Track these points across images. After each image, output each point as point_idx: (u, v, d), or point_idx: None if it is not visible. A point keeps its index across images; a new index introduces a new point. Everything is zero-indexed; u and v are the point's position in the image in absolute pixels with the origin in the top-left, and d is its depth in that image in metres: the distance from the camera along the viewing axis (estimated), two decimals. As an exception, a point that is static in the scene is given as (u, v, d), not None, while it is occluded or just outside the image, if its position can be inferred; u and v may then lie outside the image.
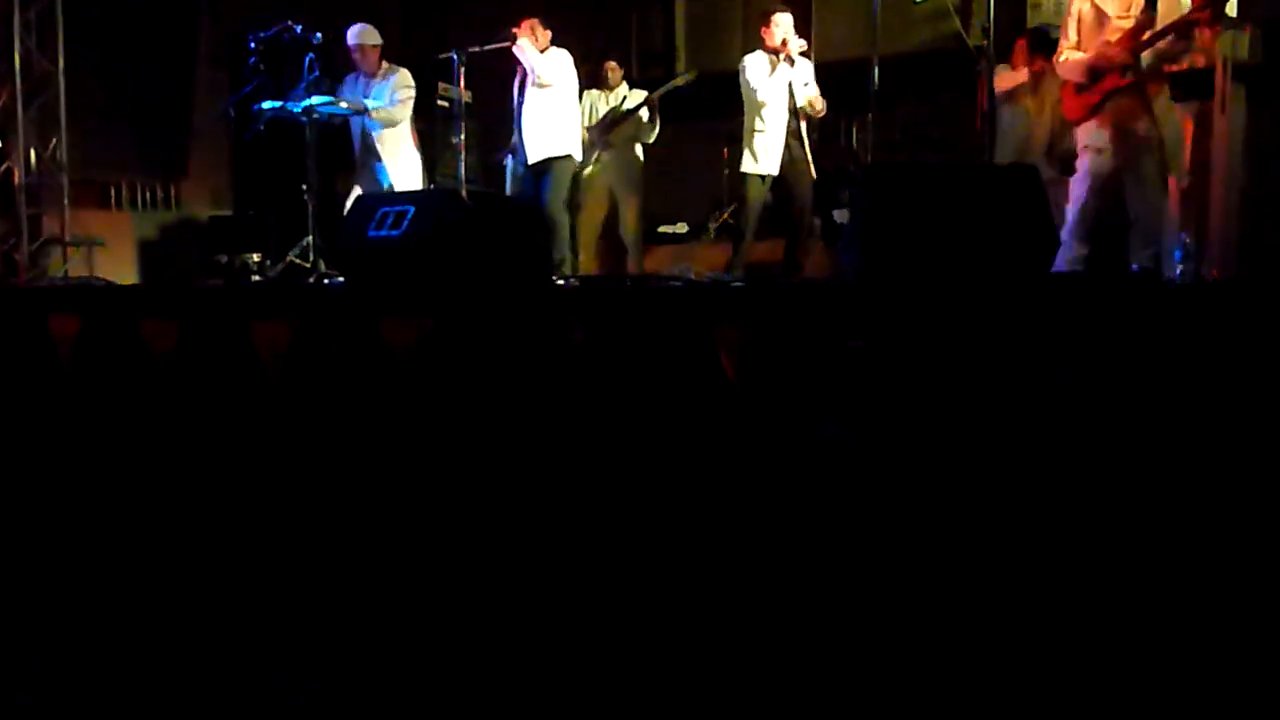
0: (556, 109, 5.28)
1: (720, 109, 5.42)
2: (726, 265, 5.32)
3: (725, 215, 6.21)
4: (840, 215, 5.63)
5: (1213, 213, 3.85)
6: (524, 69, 5.29)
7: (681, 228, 6.54)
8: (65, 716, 2.43)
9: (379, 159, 5.52)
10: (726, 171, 5.63)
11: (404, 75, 5.51)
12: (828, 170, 5.71)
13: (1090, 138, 4.30)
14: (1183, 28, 4.06)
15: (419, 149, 5.67)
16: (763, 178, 5.06)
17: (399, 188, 5.45)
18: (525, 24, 5.25)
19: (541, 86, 5.20)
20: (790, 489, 2.79)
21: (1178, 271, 3.65)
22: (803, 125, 5.05)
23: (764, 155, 5.03)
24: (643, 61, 7.62)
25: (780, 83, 4.97)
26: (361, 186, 5.54)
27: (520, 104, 5.30)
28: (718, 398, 3.07)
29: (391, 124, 5.46)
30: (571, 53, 5.40)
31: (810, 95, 5.05)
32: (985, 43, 4.29)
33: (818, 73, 5.28)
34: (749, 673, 2.15)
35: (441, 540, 3.24)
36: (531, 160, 5.26)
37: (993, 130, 4.23)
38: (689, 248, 6.21)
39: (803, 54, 5.08)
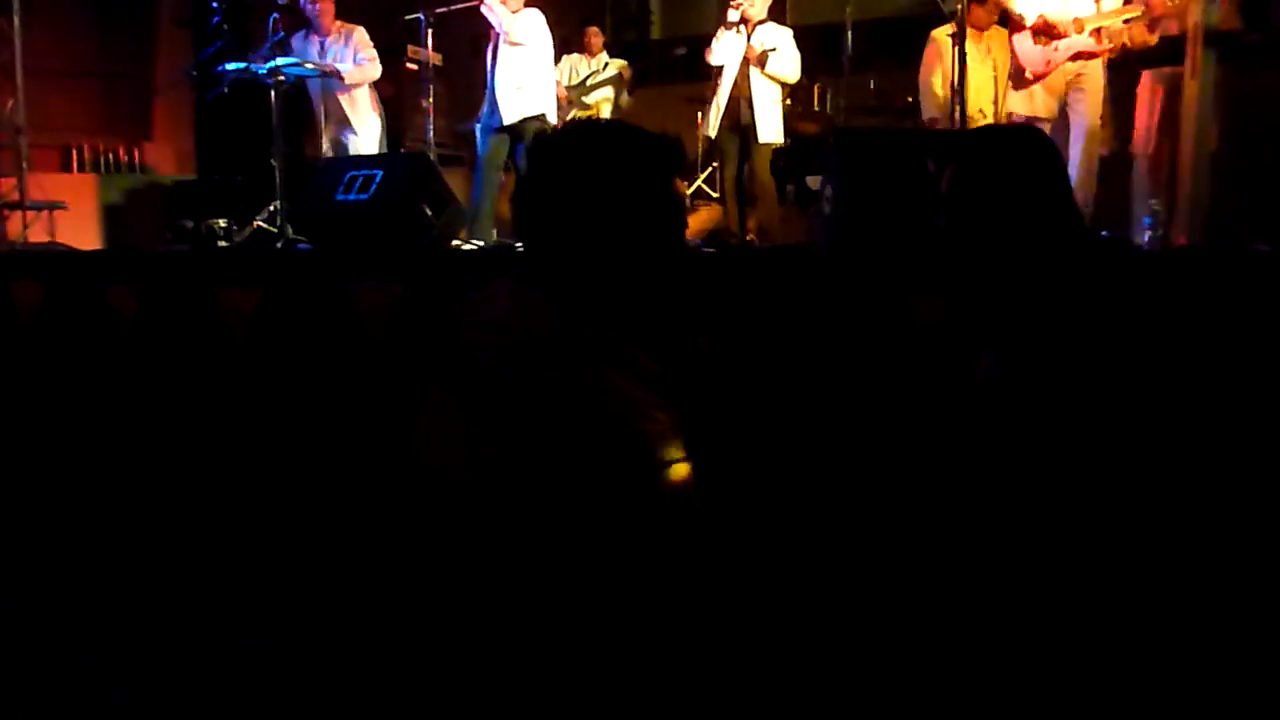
0: (530, 69, 5.17)
1: (695, 73, 5.38)
2: (711, 231, 5.31)
3: (699, 180, 6.18)
4: (814, 181, 5.60)
5: (1181, 179, 3.87)
6: (496, 31, 5.19)
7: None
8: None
9: (342, 122, 5.40)
10: (701, 136, 5.59)
11: (362, 33, 5.37)
12: (801, 135, 5.68)
13: (1033, 106, 4.37)
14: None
15: (379, 111, 5.54)
16: (709, 138, 5.15)
17: (363, 150, 5.34)
18: None
19: (513, 45, 5.09)
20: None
21: (1146, 238, 3.67)
22: (757, 89, 4.97)
23: (710, 118, 5.08)
24: (617, 26, 7.53)
25: (731, 48, 4.94)
26: (323, 151, 5.43)
27: (493, 67, 5.20)
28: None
29: (359, 85, 5.35)
30: (548, 16, 5.32)
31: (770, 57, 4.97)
32: (959, 8, 4.27)
33: (795, 36, 5.22)
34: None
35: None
36: (506, 121, 5.16)
37: (963, 97, 4.21)
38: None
39: (777, 21, 5.04)
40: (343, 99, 5.38)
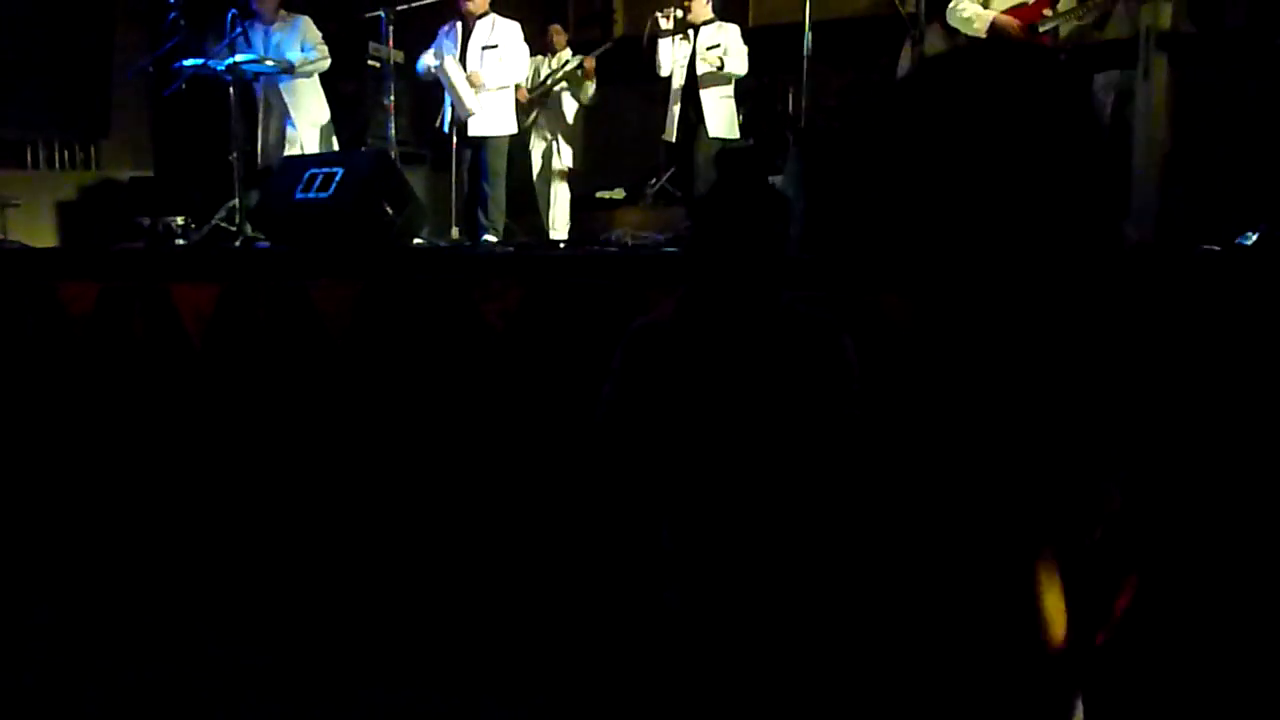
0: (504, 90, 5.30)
1: (656, 70, 5.38)
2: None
3: (662, 180, 6.19)
4: (777, 180, 5.64)
5: (1134, 179, 3.94)
6: (462, 33, 5.20)
7: (619, 193, 6.51)
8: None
9: (284, 114, 5.27)
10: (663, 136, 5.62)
11: (308, 22, 5.26)
12: (763, 135, 5.72)
13: None
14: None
15: (325, 105, 5.43)
16: (669, 144, 5.25)
17: (306, 144, 5.22)
18: None
19: (489, 49, 5.17)
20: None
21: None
22: (706, 87, 5.05)
23: (668, 123, 5.18)
24: (580, 23, 7.52)
25: (677, 53, 5.01)
26: (268, 147, 5.29)
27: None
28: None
29: (307, 77, 5.26)
30: (511, 12, 5.34)
31: (720, 57, 5.04)
32: (917, 11, 4.30)
33: (755, 37, 5.27)
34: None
35: (383, 507, 3.21)
36: (473, 133, 5.21)
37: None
38: (625, 212, 6.19)
39: (724, 19, 5.11)
40: (285, 90, 5.24)
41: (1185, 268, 2.98)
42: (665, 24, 5.02)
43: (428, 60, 5.29)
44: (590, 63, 5.92)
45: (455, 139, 5.28)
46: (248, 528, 3.30)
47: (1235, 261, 3.09)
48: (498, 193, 5.26)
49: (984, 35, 4.31)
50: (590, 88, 6.05)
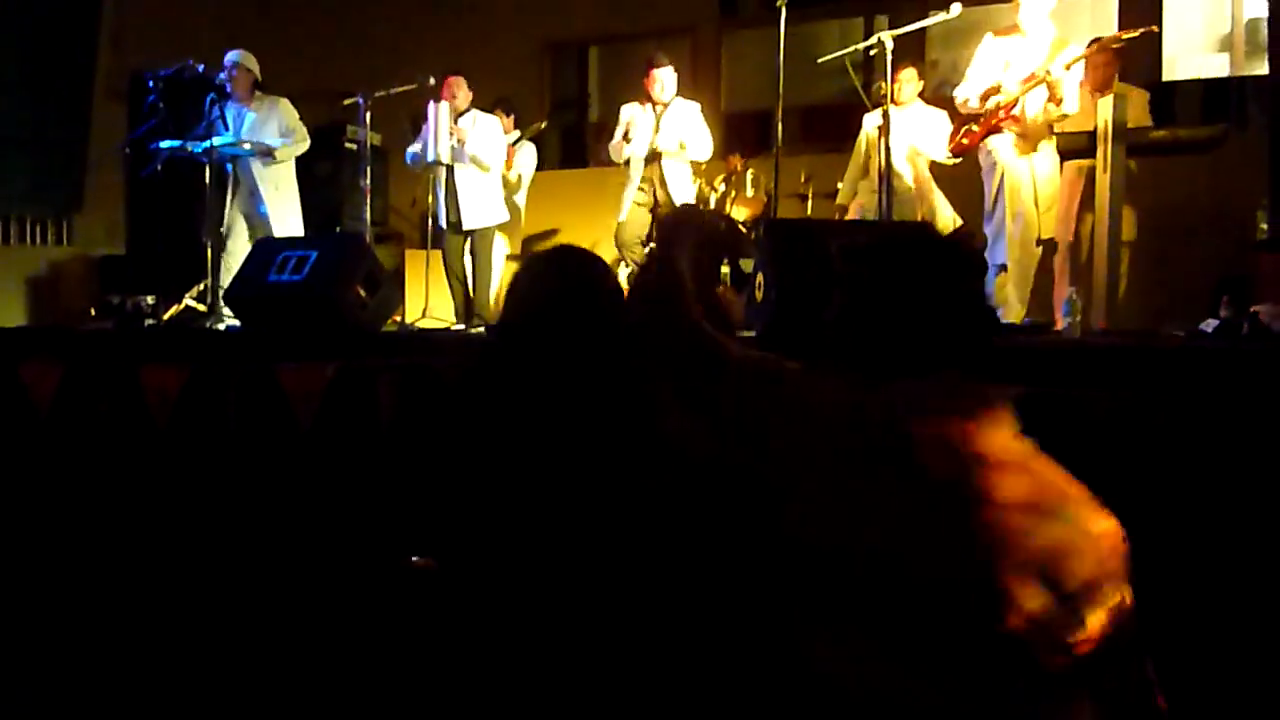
0: (489, 178, 5.39)
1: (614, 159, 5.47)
2: None
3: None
4: (747, 264, 5.71)
5: (1096, 266, 4.02)
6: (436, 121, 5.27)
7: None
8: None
9: (254, 194, 5.21)
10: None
11: (288, 105, 5.28)
12: (736, 219, 5.80)
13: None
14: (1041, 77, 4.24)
15: (295, 188, 5.41)
16: (620, 224, 5.22)
17: (280, 229, 5.14)
18: (448, 85, 5.27)
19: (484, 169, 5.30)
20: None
21: (1065, 325, 3.79)
22: (669, 169, 5.10)
23: (623, 204, 5.19)
24: (555, 107, 7.67)
25: (639, 137, 5.09)
26: (236, 226, 5.24)
27: (450, 171, 5.31)
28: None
29: (292, 156, 5.29)
30: (484, 100, 5.44)
31: (681, 139, 5.10)
32: (884, 101, 4.42)
33: (727, 122, 5.37)
34: None
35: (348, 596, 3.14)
36: (467, 227, 5.31)
37: (889, 187, 4.34)
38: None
39: (688, 98, 5.18)
40: (256, 170, 5.19)
41: (1148, 355, 3.03)
42: (619, 134, 5.15)
43: (417, 148, 5.38)
44: (511, 148, 5.98)
45: (445, 229, 5.36)
46: (209, 612, 3.21)
47: (1196, 348, 3.15)
48: (487, 278, 5.33)
49: (976, 110, 4.38)
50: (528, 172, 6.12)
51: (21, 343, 4.21)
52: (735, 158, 6.01)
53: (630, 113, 5.18)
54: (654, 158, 5.07)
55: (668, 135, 5.05)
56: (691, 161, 5.22)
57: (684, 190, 5.14)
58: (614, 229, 5.24)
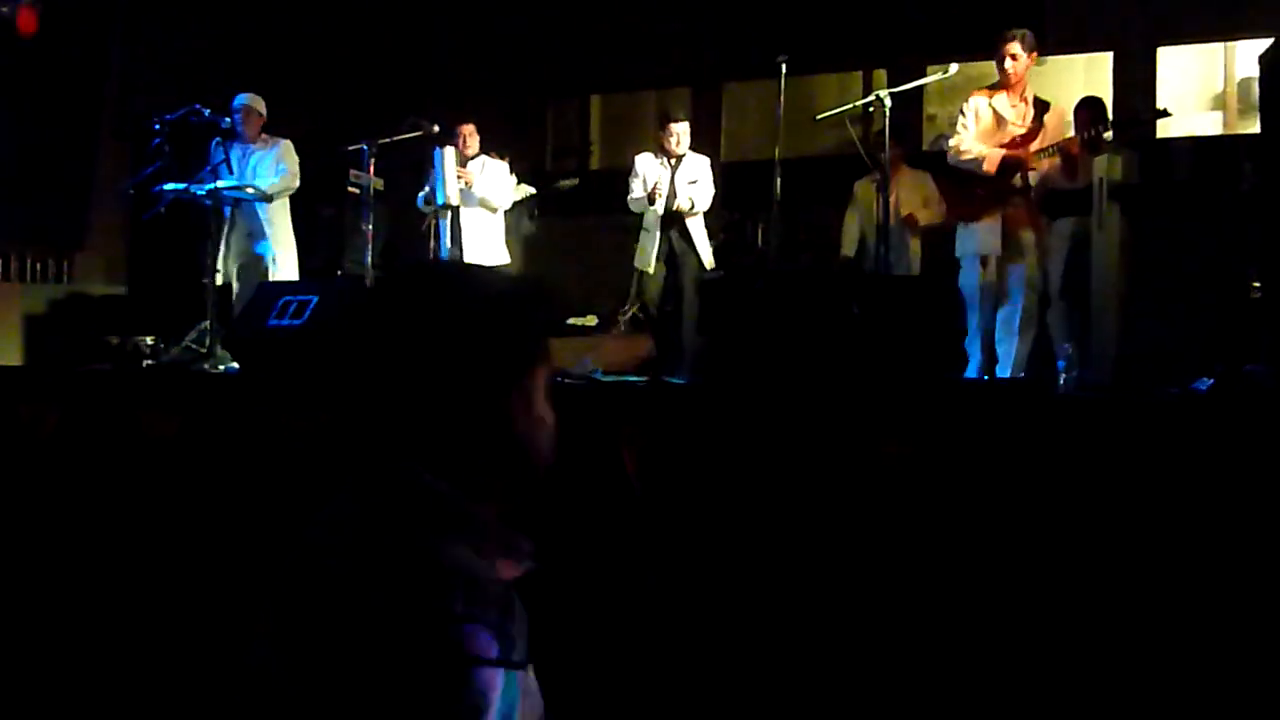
0: (494, 220, 5.51)
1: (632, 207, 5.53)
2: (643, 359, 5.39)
3: (634, 308, 6.28)
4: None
5: (1094, 323, 4.05)
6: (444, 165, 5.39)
7: (591, 320, 6.59)
8: None
9: (252, 235, 5.30)
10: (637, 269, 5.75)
11: (288, 145, 5.37)
12: (735, 269, 5.85)
13: (975, 246, 4.46)
14: (1065, 149, 4.31)
15: (291, 231, 5.49)
16: (642, 273, 5.32)
17: (281, 272, 5.23)
18: (462, 133, 5.45)
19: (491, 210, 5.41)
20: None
21: (1061, 380, 3.81)
22: (691, 221, 5.20)
23: (639, 251, 5.29)
24: (557, 155, 7.75)
25: (661, 183, 5.18)
26: (233, 268, 5.31)
27: (455, 215, 5.40)
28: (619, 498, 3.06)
29: (283, 195, 5.33)
30: (492, 141, 5.55)
31: (691, 194, 5.19)
32: (883, 154, 4.48)
33: (726, 171, 5.45)
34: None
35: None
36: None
37: (887, 241, 4.39)
38: (598, 340, 6.24)
39: (699, 151, 5.29)
40: (258, 213, 5.27)
41: (1143, 412, 3.05)
42: (641, 190, 5.25)
43: (426, 192, 5.52)
44: (528, 199, 6.11)
45: None
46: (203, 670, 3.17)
47: (1191, 406, 3.17)
48: None
49: (990, 172, 4.40)
50: (527, 222, 6.24)
51: (19, 382, 4.21)
52: None
53: (645, 164, 5.26)
54: (674, 216, 5.19)
55: (684, 195, 5.18)
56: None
57: (704, 242, 5.25)
58: (623, 276, 5.35)
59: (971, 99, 4.53)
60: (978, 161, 4.40)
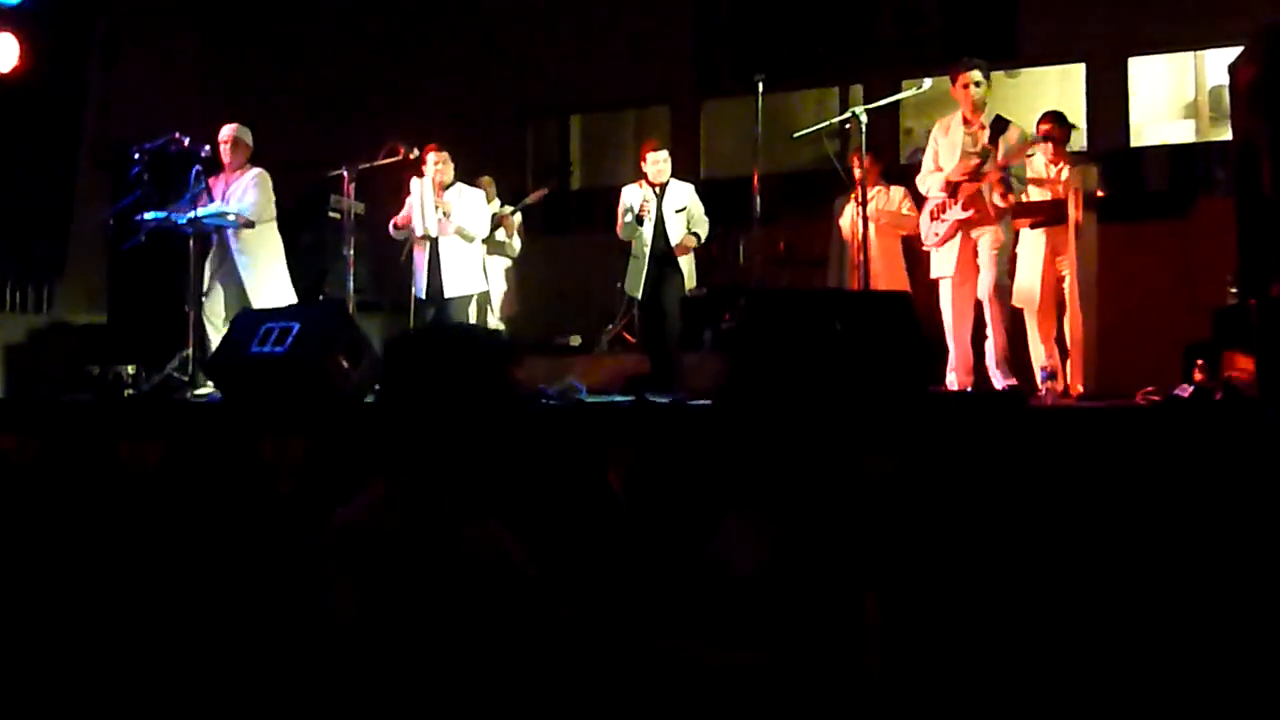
0: (472, 248, 5.49)
1: (613, 222, 5.55)
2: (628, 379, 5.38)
3: (618, 328, 6.29)
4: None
5: (1072, 333, 4.08)
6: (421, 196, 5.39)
7: (575, 340, 6.59)
8: None
9: (241, 268, 5.16)
10: (618, 284, 5.74)
11: (265, 175, 5.25)
12: (717, 285, 5.87)
13: (943, 268, 4.43)
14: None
15: (279, 256, 5.35)
16: (630, 299, 5.36)
17: (262, 299, 5.07)
18: (424, 156, 5.36)
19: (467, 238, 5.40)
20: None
21: (1042, 391, 3.84)
22: (679, 248, 5.23)
23: (629, 278, 5.32)
24: (537, 175, 7.76)
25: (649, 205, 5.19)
26: (216, 295, 5.20)
27: (434, 242, 5.39)
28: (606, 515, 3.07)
29: (259, 222, 5.19)
30: (460, 165, 5.54)
31: (682, 233, 5.22)
32: (859, 171, 4.51)
33: (706, 189, 5.48)
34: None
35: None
36: (448, 295, 5.39)
37: (866, 257, 4.41)
38: (582, 360, 6.24)
39: (683, 178, 5.31)
40: (239, 240, 5.15)
41: (1125, 417, 3.08)
42: (631, 213, 5.26)
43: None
44: (507, 215, 6.06)
45: (424, 300, 5.44)
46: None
47: (1171, 412, 3.20)
48: None
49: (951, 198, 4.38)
50: (515, 241, 6.19)
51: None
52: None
53: (631, 196, 5.27)
54: (667, 247, 5.21)
55: (679, 229, 5.22)
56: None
57: (687, 259, 5.27)
58: (606, 296, 5.35)
59: (933, 130, 4.51)
60: (934, 185, 4.41)
